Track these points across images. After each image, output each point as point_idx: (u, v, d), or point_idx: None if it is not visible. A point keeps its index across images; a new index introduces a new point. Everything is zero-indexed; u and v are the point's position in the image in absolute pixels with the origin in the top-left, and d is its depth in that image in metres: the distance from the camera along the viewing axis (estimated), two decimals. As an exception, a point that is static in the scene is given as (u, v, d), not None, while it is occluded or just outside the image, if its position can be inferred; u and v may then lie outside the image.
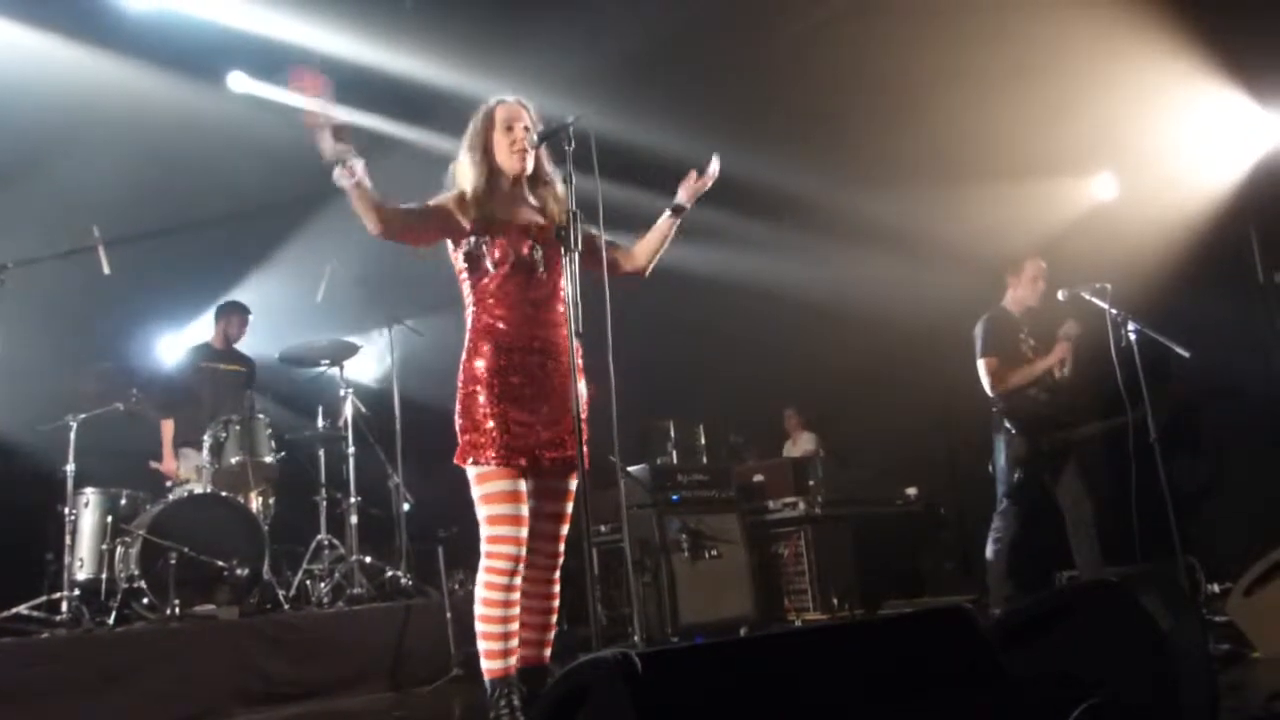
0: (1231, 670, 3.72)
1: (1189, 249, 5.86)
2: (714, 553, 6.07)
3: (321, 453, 6.24)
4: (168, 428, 5.91)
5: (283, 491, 5.98)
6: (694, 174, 3.28)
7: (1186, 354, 4.82)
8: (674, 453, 7.02)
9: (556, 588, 3.12)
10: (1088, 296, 5.04)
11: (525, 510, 2.97)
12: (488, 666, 2.95)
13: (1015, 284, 5.31)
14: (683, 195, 3.28)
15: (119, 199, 6.13)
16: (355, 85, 6.62)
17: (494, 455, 2.92)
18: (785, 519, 6.64)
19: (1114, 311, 4.93)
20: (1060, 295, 5.16)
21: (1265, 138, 5.84)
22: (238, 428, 5.58)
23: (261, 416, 5.77)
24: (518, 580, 2.96)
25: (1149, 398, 4.74)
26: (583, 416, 2.84)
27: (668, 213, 3.28)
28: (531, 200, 3.17)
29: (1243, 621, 4.09)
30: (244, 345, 6.45)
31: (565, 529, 3.13)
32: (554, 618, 3.13)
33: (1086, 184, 6.68)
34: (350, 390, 6.13)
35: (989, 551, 5.12)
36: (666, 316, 7.39)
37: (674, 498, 6.13)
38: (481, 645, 2.96)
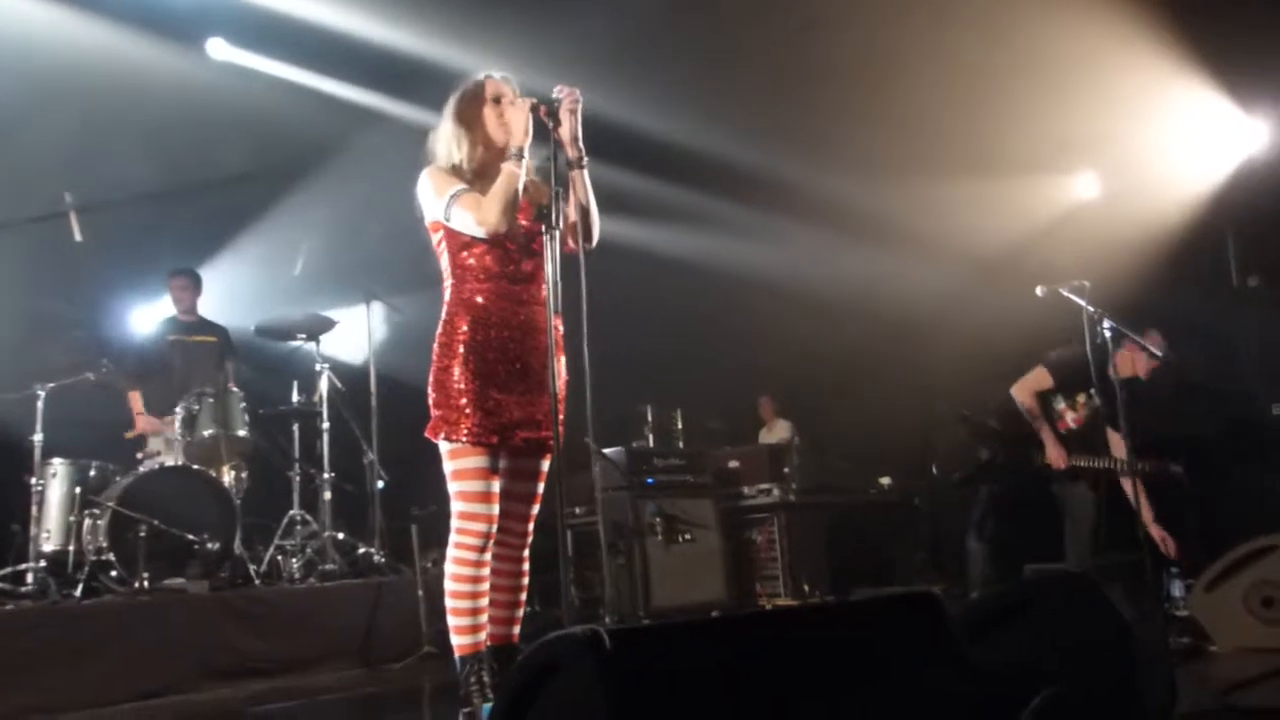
0: (1191, 663, 3.78)
1: (1167, 250, 5.91)
2: (688, 537, 6.10)
3: (296, 428, 6.20)
4: (135, 399, 5.82)
5: (256, 466, 5.94)
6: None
7: (1160, 353, 4.88)
8: (651, 437, 7.04)
9: (525, 566, 3.12)
10: (1065, 293, 5.08)
11: (497, 488, 2.97)
12: (458, 643, 2.95)
13: (1135, 358, 5.08)
14: (567, 148, 2.98)
15: (93, 165, 6.04)
16: (337, 56, 6.57)
17: (467, 432, 2.91)
18: (760, 505, 6.68)
19: (1091, 309, 4.98)
20: (1039, 291, 5.20)
21: (1245, 142, 5.88)
22: (211, 401, 5.53)
23: (236, 390, 5.72)
24: (487, 557, 2.96)
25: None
26: (560, 397, 2.84)
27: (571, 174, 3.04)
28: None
29: (1203, 616, 4.16)
30: (218, 315, 6.38)
31: (536, 509, 3.13)
32: (523, 596, 3.12)
33: (1070, 182, 6.72)
34: (326, 365, 6.09)
35: (970, 541, 5.15)
36: (647, 302, 7.39)
37: (649, 481, 6.15)
38: (451, 621, 2.96)
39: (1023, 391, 5.21)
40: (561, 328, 2.92)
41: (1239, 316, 5.85)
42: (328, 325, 6.20)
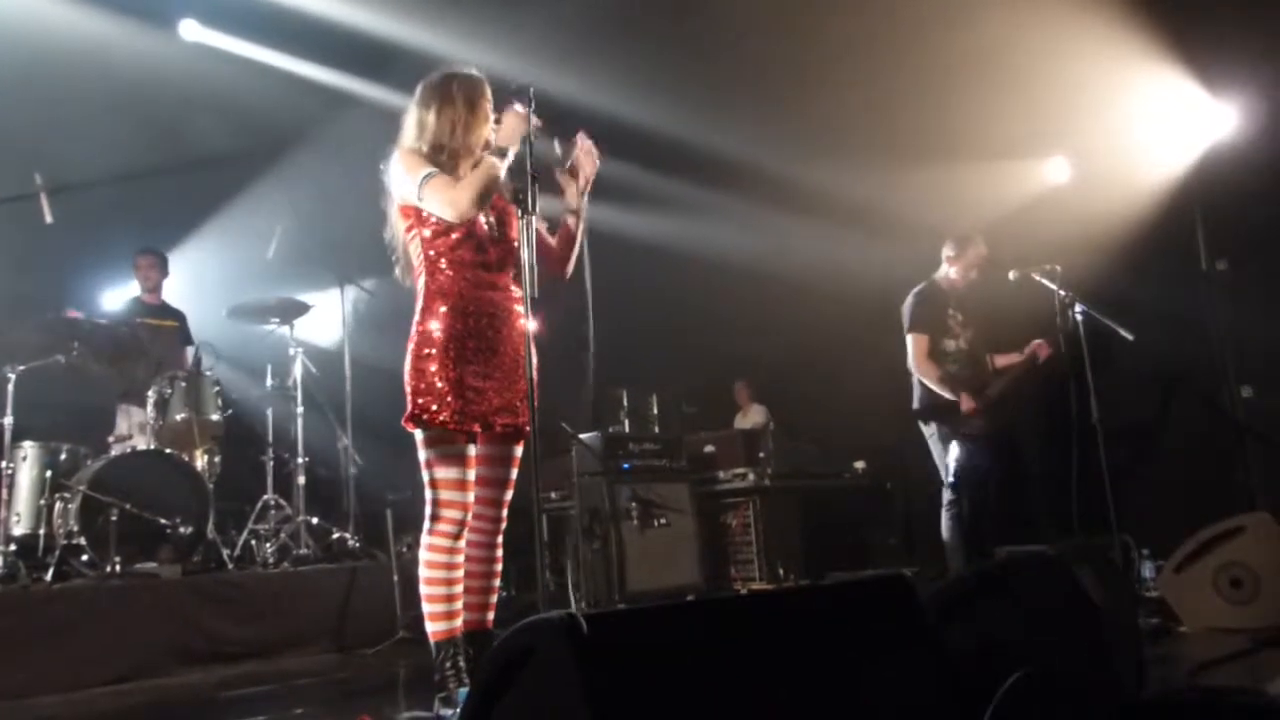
0: (1160, 644, 3.84)
1: (1137, 234, 5.96)
2: (663, 521, 6.12)
3: (270, 412, 6.17)
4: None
5: (229, 450, 5.89)
6: (567, 170, 3.15)
7: (1130, 336, 4.94)
8: (626, 422, 7.05)
9: (499, 552, 3.13)
10: (1038, 278, 5.14)
11: (473, 475, 2.98)
12: (433, 629, 2.97)
13: (953, 262, 5.35)
14: (569, 198, 3.17)
15: (63, 146, 5.96)
16: (310, 39, 6.51)
17: (447, 419, 2.91)
18: (735, 490, 6.70)
19: (1062, 293, 5.05)
20: (1011, 275, 5.26)
21: (1213, 126, 5.94)
22: (183, 384, 5.48)
23: (208, 374, 5.68)
24: (462, 544, 2.97)
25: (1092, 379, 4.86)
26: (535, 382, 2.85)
27: (566, 217, 3.19)
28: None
29: (1172, 597, 4.22)
30: (190, 298, 6.32)
31: (509, 495, 3.14)
32: (496, 582, 3.13)
33: (1040, 167, 6.77)
34: (300, 350, 6.05)
35: (944, 528, 5.17)
36: (623, 286, 7.35)
37: (625, 466, 6.16)
38: (426, 608, 2.97)
39: (920, 365, 5.23)
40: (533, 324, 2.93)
41: (1208, 299, 5.91)
42: (302, 309, 6.16)
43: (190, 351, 6.13)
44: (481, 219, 3.04)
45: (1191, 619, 4.13)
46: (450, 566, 2.95)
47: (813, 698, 1.68)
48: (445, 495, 2.94)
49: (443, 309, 2.99)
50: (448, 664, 2.93)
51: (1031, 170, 6.74)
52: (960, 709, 1.90)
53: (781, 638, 1.72)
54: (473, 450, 2.99)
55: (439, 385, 2.93)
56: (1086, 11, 5.49)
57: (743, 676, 1.62)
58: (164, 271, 6.21)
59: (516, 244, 2.99)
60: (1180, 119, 6.02)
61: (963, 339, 5.29)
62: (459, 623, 2.98)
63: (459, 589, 2.98)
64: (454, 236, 3.01)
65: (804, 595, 2.14)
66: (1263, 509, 4.40)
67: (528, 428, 2.99)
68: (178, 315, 6.26)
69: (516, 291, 3.06)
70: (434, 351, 2.96)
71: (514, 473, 3.14)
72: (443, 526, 2.93)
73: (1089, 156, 6.42)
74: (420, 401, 2.95)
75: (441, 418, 2.91)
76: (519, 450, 3.13)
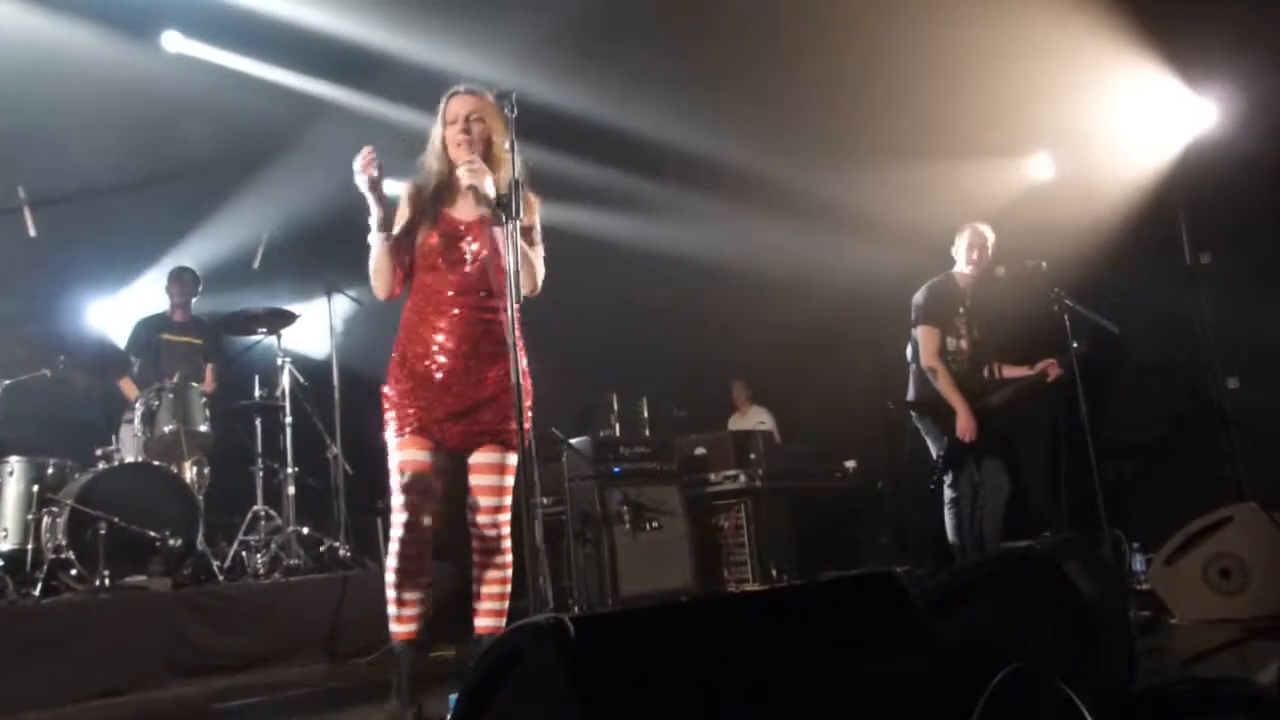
0: (1152, 635, 3.86)
1: (1121, 229, 5.99)
2: (655, 524, 6.12)
3: (259, 422, 6.14)
4: (127, 387, 5.89)
5: (218, 461, 5.88)
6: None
7: (1116, 330, 4.95)
8: (617, 425, 7.05)
9: (506, 558, 3.16)
10: (1029, 264, 5.14)
11: (434, 483, 3.06)
12: (390, 630, 3.08)
13: (971, 256, 5.24)
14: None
15: (46, 159, 5.94)
16: (295, 48, 6.49)
17: (407, 428, 3.02)
18: (726, 491, 6.71)
19: (1054, 290, 5.05)
20: (999, 271, 5.26)
21: (1195, 121, 5.97)
22: (170, 395, 5.45)
23: (195, 385, 5.65)
24: (418, 550, 3.03)
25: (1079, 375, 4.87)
26: (524, 388, 2.85)
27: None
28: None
29: (1163, 590, 4.24)
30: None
31: (501, 500, 3.13)
32: (507, 588, 3.17)
33: (1024, 164, 6.80)
34: (288, 359, 6.03)
35: (949, 531, 5.10)
36: (611, 290, 7.39)
37: (616, 470, 6.16)
38: (388, 610, 3.07)
39: (932, 359, 5.11)
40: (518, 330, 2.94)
41: (1193, 293, 5.94)
42: (289, 319, 6.14)
43: (212, 369, 6.21)
44: (457, 243, 3.11)
45: (1182, 611, 4.15)
46: (404, 573, 3.06)
47: (803, 696, 1.67)
48: (400, 500, 3.04)
49: (407, 319, 3.16)
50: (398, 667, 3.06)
51: (1015, 167, 6.78)
52: (951, 704, 1.90)
53: (771, 636, 1.72)
54: (438, 460, 3.07)
55: (398, 395, 3.10)
56: (1066, 9, 5.52)
57: (733, 676, 1.62)
58: (188, 289, 6.31)
59: (482, 252, 3.08)
60: (1162, 114, 6.06)
61: (966, 339, 5.23)
62: (410, 628, 3.07)
63: (413, 595, 3.06)
64: (427, 261, 3.12)
65: (794, 593, 2.14)
66: (1250, 499, 4.42)
67: (501, 431, 3.06)
68: (205, 332, 6.34)
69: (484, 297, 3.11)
70: (395, 360, 3.12)
71: (500, 479, 3.13)
72: (397, 533, 3.07)
73: (1072, 153, 6.46)
74: (388, 412, 3.11)
75: (402, 426, 3.05)
76: (501, 457, 3.12)
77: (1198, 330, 5.94)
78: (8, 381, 5.14)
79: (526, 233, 3.05)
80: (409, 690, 3.01)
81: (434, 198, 3.14)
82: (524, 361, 2.96)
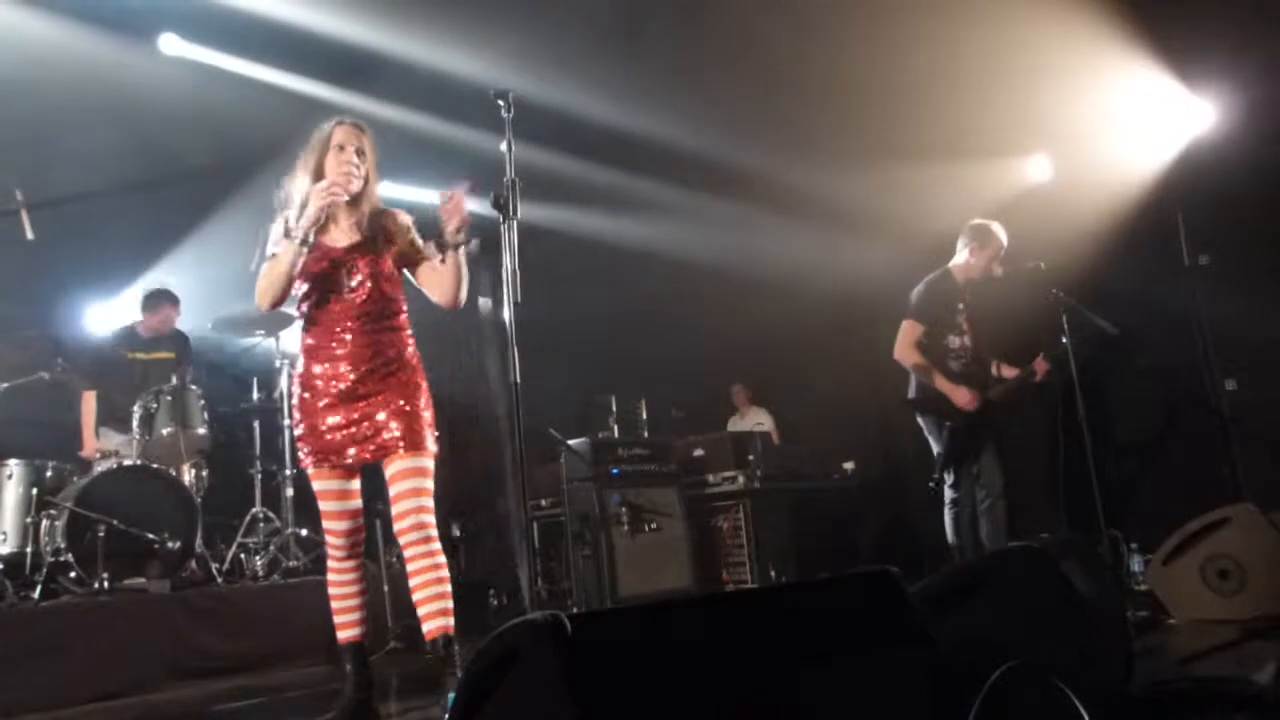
0: (1149, 635, 3.86)
1: (1119, 230, 6.00)
2: (653, 526, 6.12)
3: (257, 424, 6.14)
4: (89, 400, 5.69)
5: (217, 464, 5.87)
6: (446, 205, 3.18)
7: (1115, 331, 4.95)
8: (615, 427, 7.04)
9: (439, 559, 3.13)
10: (1029, 265, 5.14)
11: (350, 505, 3.23)
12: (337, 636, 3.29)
13: (974, 251, 5.21)
14: (448, 231, 3.16)
15: (43, 161, 5.93)
16: (293, 50, 6.49)
17: (311, 460, 3.18)
18: (725, 492, 6.71)
19: (1053, 291, 5.05)
20: (997, 271, 5.25)
21: (1193, 123, 5.98)
22: (169, 399, 5.45)
23: (194, 388, 5.64)
24: (349, 564, 3.26)
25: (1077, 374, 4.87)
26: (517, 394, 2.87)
27: (437, 253, 3.23)
28: (350, 219, 3.22)
29: (1160, 590, 4.24)
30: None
31: (418, 503, 3.12)
32: (447, 587, 3.12)
33: (1022, 165, 6.81)
34: (286, 361, 6.02)
35: (948, 531, 5.09)
36: (610, 291, 7.39)
37: (614, 472, 6.16)
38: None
39: (904, 352, 5.12)
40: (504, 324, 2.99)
41: (1191, 294, 5.94)
42: (287, 321, 6.13)
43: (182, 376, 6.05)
44: (335, 270, 3.16)
45: (1180, 611, 4.15)
46: (338, 584, 3.30)
47: (800, 694, 1.68)
48: (325, 525, 3.28)
49: (302, 357, 3.24)
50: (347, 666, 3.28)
51: (1014, 168, 6.79)
52: (949, 703, 1.90)
53: (768, 634, 1.72)
54: (350, 483, 3.26)
55: (300, 430, 3.25)
56: (1065, 9, 5.52)
57: (729, 674, 1.62)
58: (156, 311, 5.99)
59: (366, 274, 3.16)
60: (1160, 115, 6.06)
61: (968, 336, 5.19)
62: (352, 633, 3.26)
63: (345, 604, 3.28)
64: (309, 288, 3.18)
65: (791, 592, 2.14)
66: (1248, 500, 4.42)
67: (388, 443, 3.12)
68: (174, 345, 6.05)
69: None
70: (295, 398, 3.27)
71: (409, 484, 3.13)
72: (328, 550, 3.30)
73: (1070, 154, 6.47)
74: (299, 445, 3.30)
75: (308, 459, 3.23)
76: (403, 463, 3.13)
77: (1196, 331, 5.94)
78: (6, 385, 5.15)
79: (416, 254, 3.22)
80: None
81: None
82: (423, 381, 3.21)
